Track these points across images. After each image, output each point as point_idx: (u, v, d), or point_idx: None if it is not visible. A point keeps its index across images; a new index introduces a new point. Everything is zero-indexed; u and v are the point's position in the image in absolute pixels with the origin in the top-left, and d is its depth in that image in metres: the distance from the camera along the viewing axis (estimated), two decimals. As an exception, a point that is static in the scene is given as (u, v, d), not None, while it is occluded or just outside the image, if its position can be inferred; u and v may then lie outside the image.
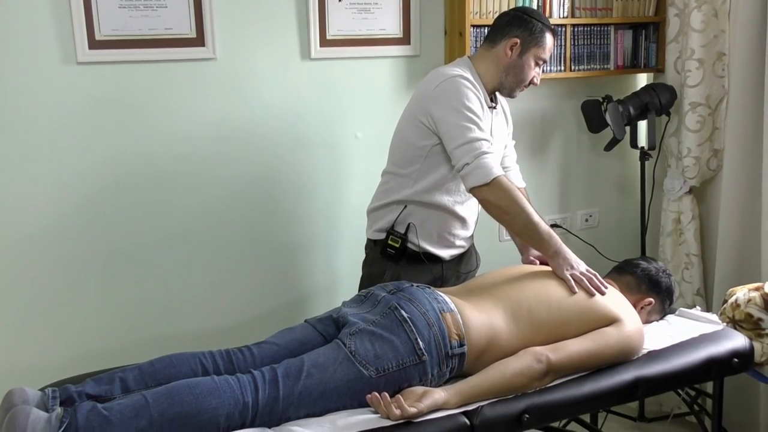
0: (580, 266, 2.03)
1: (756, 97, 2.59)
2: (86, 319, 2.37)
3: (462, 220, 2.25)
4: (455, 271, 2.29)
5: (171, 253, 2.46)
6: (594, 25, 2.87)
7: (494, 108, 2.25)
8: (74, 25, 2.19)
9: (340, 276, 2.73)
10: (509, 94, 2.24)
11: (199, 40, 2.35)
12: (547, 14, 2.78)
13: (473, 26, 2.64)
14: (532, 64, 2.18)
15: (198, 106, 2.41)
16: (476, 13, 2.65)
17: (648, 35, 3.01)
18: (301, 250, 2.66)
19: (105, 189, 2.34)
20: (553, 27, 2.20)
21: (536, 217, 2.04)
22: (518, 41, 2.15)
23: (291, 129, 2.56)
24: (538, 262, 2.25)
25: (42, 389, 1.68)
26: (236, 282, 2.58)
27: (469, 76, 2.14)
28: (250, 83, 2.47)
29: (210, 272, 2.53)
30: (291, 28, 2.50)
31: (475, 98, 2.10)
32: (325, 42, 2.54)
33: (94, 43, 2.22)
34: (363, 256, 2.36)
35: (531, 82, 2.21)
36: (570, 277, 1.98)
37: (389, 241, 2.20)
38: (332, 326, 1.89)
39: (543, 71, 2.39)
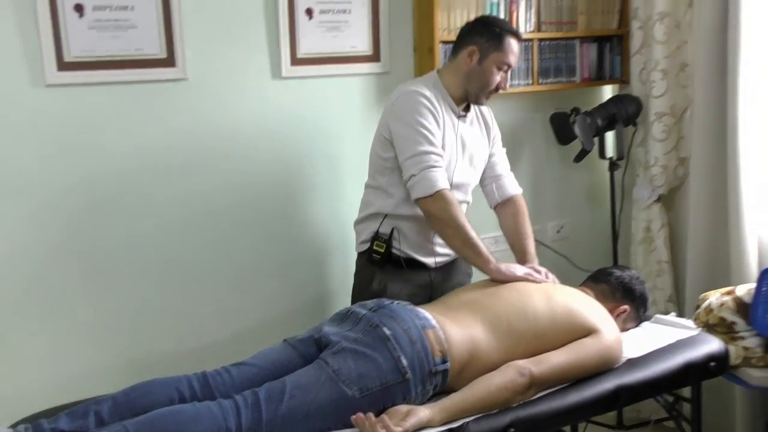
0: (518, 268, 2.12)
1: (719, 105, 2.65)
2: (60, 344, 2.32)
3: None
4: (445, 279, 2.30)
5: (145, 274, 2.42)
6: (560, 39, 2.92)
7: (464, 117, 2.27)
8: (42, 46, 2.15)
9: (330, 290, 2.72)
10: (476, 101, 2.27)
11: (169, 61, 2.34)
12: (514, 29, 2.82)
13: (442, 42, 2.67)
14: (494, 69, 2.19)
15: (170, 126, 2.39)
16: (445, 29, 2.67)
17: (612, 48, 3.07)
18: (286, 266, 2.65)
19: (77, 211, 2.30)
20: (516, 31, 2.23)
21: (474, 233, 2.11)
22: (476, 48, 2.18)
23: (263, 147, 2.55)
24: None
25: (14, 425, 1.64)
26: (219, 300, 2.56)
27: (427, 91, 2.17)
28: (222, 103, 2.46)
29: (188, 292, 2.50)
30: (262, 48, 2.50)
31: (428, 112, 2.13)
32: (295, 61, 2.54)
33: (63, 65, 2.19)
34: (351, 269, 2.37)
35: (498, 88, 2.23)
36: (525, 277, 2.08)
37: (374, 247, 2.23)
38: (313, 346, 1.88)
39: (511, 84, 2.41)
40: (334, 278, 2.74)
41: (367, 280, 2.26)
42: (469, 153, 2.27)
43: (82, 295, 2.34)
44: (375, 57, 2.70)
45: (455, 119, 2.24)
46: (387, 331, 1.77)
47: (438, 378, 1.78)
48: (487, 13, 2.73)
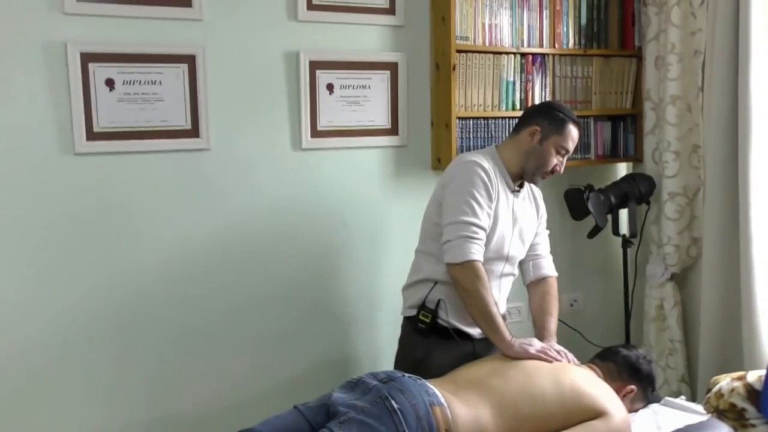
0: (534, 343, 2.15)
1: (731, 187, 2.68)
2: (76, 404, 2.38)
3: None
4: (487, 350, 2.31)
5: (178, 340, 2.51)
6: (574, 117, 3.00)
7: (518, 192, 2.33)
8: (73, 116, 2.26)
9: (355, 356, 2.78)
10: (531, 179, 2.33)
11: (194, 131, 2.44)
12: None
13: (459, 118, 2.75)
14: (553, 152, 2.27)
15: (192, 195, 2.47)
16: (462, 105, 2.76)
17: (626, 126, 3.14)
18: (307, 332, 2.70)
19: (106, 278, 2.38)
20: (577, 120, 2.31)
21: (494, 309, 2.15)
22: (539, 129, 2.26)
23: (282, 216, 2.62)
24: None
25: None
26: (247, 367, 2.62)
27: (485, 163, 2.23)
28: (243, 172, 2.54)
29: (211, 359, 2.56)
30: (283, 120, 2.59)
31: (482, 184, 2.19)
32: (315, 133, 2.63)
33: (92, 135, 2.29)
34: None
35: (553, 170, 2.30)
36: (537, 354, 2.09)
37: (420, 317, 2.26)
38: (322, 414, 1.90)
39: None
40: (360, 343, 2.79)
41: (410, 347, 2.31)
42: (519, 227, 2.33)
43: (100, 357, 2.40)
44: (393, 131, 2.78)
45: (509, 194, 2.30)
46: (395, 404, 1.79)
47: (441, 455, 1.79)
48: (504, 91, 2.82)
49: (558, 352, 2.19)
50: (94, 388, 2.40)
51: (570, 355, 2.22)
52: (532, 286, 2.46)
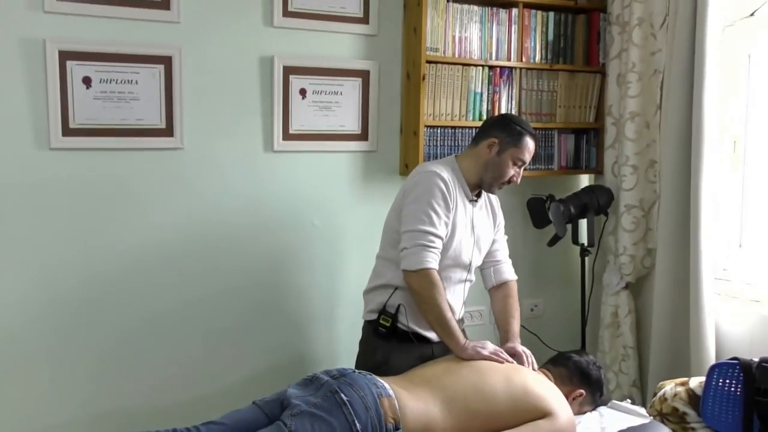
0: (487, 346, 2.24)
1: (683, 202, 2.81)
2: (52, 394, 2.44)
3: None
4: (445, 353, 2.36)
5: (144, 333, 2.56)
6: (539, 128, 3.09)
7: (475, 202, 2.42)
8: (50, 112, 2.32)
9: (311, 354, 2.85)
10: (489, 189, 2.42)
11: (168, 131, 2.50)
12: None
13: (427, 126, 2.84)
14: (510, 163, 2.35)
15: (165, 192, 2.54)
16: (430, 114, 2.85)
17: (589, 139, 3.25)
18: (268, 332, 2.77)
19: (82, 271, 2.44)
20: (534, 133, 2.39)
21: (449, 314, 2.24)
22: (496, 141, 2.34)
23: (252, 215, 2.69)
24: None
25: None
26: (206, 360, 2.67)
27: (445, 173, 2.31)
28: (216, 172, 2.61)
29: (174, 351, 2.62)
30: (256, 122, 2.67)
31: (440, 195, 2.27)
32: (287, 136, 2.71)
33: (67, 131, 2.35)
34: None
35: (510, 180, 2.39)
36: (490, 356, 2.19)
37: (381, 321, 2.34)
38: (278, 408, 1.98)
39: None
40: (319, 343, 2.86)
41: (371, 350, 2.38)
42: (476, 236, 2.42)
43: (68, 348, 2.46)
44: (363, 136, 2.87)
45: (467, 203, 2.38)
46: (344, 397, 1.89)
47: (390, 443, 1.88)
48: (471, 101, 2.92)
49: (523, 353, 2.31)
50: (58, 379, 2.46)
51: (531, 358, 2.33)
52: (493, 290, 2.56)
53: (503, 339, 2.45)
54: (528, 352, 2.35)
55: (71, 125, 2.35)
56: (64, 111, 2.34)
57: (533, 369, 2.31)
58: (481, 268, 2.56)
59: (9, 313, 2.35)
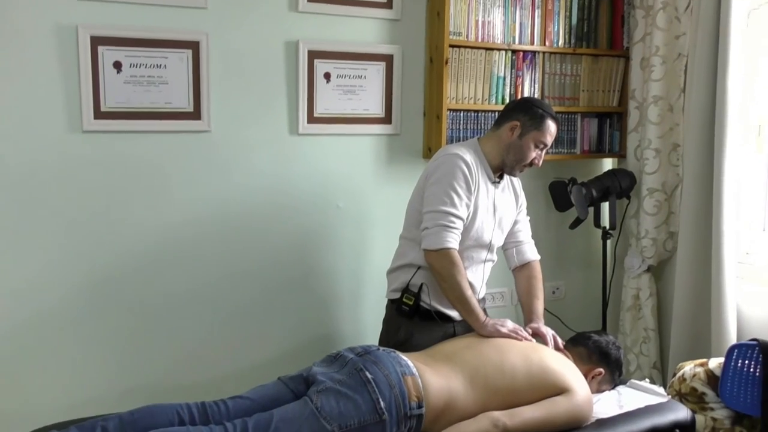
0: (507, 324, 2.28)
1: (706, 185, 2.81)
2: (82, 369, 2.53)
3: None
4: (466, 331, 2.42)
5: (174, 311, 2.64)
6: (562, 113, 3.10)
7: (498, 183, 2.45)
8: (82, 96, 2.39)
9: (338, 333, 2.92)
10: (510, 171, 2.45)
11: (195, 114, 2.56)
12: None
13: (450, 110, 2.87)
14: (532, 146, 2.38)
15: (193, 173, 2.60)
16: (453, 98, 2.88)
17: (612, 123, 3.26)
18: (296, 311, 2.83)
19: (113, 250, 2.51)
20: (555, 116, 2.41)
21: (469, 292, 2.28)
22: (518, 124, 2.37)
23: (278, 196, 2.75)
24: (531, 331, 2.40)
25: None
26: (230, 338, 2.74)
27: (467, 156, 2.34)
28: (242, 154, 2.67)
29: (197, 331, 2.69)
30: (281, 106, 2.72)
31: (462, 177, 2.30)
32: (312, 119, 2.76)
33: (99, 114, 2.42)
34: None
35: (532, 163, 2.42)
36: (509, 334, 2.24)
37: (404, 299, 2.39)
38: (302, 384, 2.04)
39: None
40: (344, 321, 2.93)
41: (394, 328, 2.43)
42: (498, 217, 2.45)
43: (99, 325, 2.54)
44: (387, 120, 2.90)
45: (490, 185, 2.42)
46: (369, 375, 1.93)
47: (413, 421, 1.93)
48: (494, 85, 2.94)
49: (546, 334, 2.35)
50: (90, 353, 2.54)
51: (558, 339, 2.37)
52: (517, 270, 2.59)
53: (527, 319, 2.49)
54: (552, 332, 2.38)
55: (102, 108, 2.42)
56: (95, 95, 2.41)
57: (558, 347, 2.35)
58: (504, 249, 2.59)
59: (42, 291, 2.43)
